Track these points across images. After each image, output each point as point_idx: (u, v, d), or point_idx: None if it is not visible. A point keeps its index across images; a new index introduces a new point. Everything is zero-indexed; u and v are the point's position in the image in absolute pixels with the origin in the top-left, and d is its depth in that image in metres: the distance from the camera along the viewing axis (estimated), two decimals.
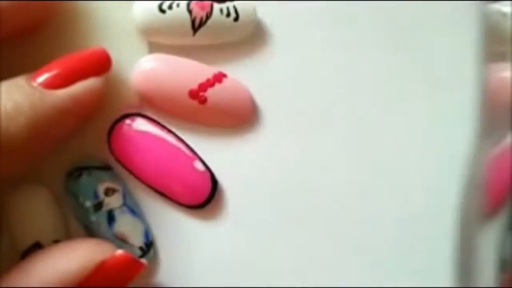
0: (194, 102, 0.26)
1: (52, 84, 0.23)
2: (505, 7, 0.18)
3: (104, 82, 0.24)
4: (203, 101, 0.26)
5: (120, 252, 0.23)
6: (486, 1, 0.18)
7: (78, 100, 0.23)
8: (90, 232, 0.25)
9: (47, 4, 0.25)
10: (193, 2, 0.26)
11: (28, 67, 0.24)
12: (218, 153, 0.26)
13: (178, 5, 0.26)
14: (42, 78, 0.23)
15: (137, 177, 0.26)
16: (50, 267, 0.22)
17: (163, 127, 0.26)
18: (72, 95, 0.23)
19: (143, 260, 0.24)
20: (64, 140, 0.25)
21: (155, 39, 0.26)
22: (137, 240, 0.25)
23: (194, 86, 0.26)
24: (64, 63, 0.24)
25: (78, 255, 0.22)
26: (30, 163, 0.24)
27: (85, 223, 0.25)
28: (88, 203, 0.25)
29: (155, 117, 0.26)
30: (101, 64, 0.24)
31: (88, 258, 0.22)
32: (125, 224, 0.25)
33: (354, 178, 0.27)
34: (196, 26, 0.26)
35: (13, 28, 0.24)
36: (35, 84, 0.23)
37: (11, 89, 0.22)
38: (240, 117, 0.27)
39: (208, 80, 0.26)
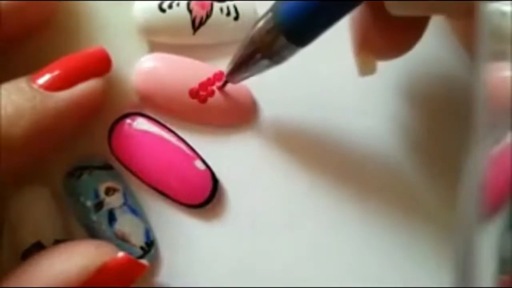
0: (195, 101, 0.26)
1: (53, 86, 0.23)
2: (505, 6, 0.18)
3: (105, 83, 0.24)
4: (204, 100, 0.26)
5: (121, 254, 0.23)
6: (486, 0, 0.18)
7: (79, 102, 0.23)
8: (91, 231, 0.25)
9: (47, 5, 0.25)
10: (193, 1, 0.26)
11: (29, 68, 0.24)
12: (218, 152, 0.26)
13: (178, 5, 0.26)
14: (43, 79, 0.23)
15: (138, 177, 0.26)
16: (51, 269, 0.22)
17: (163, 126, 0.26)
18: (73, 97, 0.23)
19: (145, 262, 0.24)
20: (66, 141, 0.25)
21: (155, 39, 0.26)
22: (138, 240, 0.25)
23: (195, 85, 0.26)
24: (64, 64, 0.24)
25: (78, 258, 0.22)
26: (31, 165, 0.24)
27: (86, 223, 0.25)
28: (89, 203, 0.25)
29: (155, 117, 0.26)
30: (101, 65, 0.24)
31: (89, 260, 0.22)
32: (125, 224, 0.25)
33: (354, 177, 0.27)
34: (196, 25, 0.26)
35: (14, 29, 0.24)
36: (36, 86, 0.23)
37: (12, 92, 0.22)
38: (241, 116, 0.27)
39: (208, 79, 0.26)
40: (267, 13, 0.22)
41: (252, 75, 0.24)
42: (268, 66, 0.23)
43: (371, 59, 0.24)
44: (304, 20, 0.22)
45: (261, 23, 0.23)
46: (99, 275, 0.22)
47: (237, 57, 0.24)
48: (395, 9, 0.21)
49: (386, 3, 0.21)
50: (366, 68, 0.24)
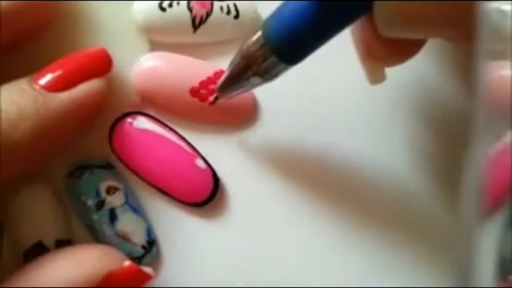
0: (195, 100, 0.26)
1: (54, 87, 0.23)
2: (505, 6, 0.18)
3: (106, 83, 0.24)
4: (204, 99, 0.26)
5: (128, 263, 0.23)
6: (486, 0, 0.18)
7: (81, 102, 0.23)
8: (92, 230, 0.25)
9: (47, 7, 0.24)
10: (194, 0, 0.26)
11: (29, 68, 0.24)
12: (219, 151, 0.26)
13: (178, 4, 0.26)
14: (45, 80, 0.23)
15: (139, 176, 0.26)
16: (56, 275, 0.22)
17: (164, 125, 0.26)
18: (75, 98, 0.23)
19: (150, 270, 0.24)
20: (68, 142, 0.25)
21: (156, 38, 0.26)
22: (139, 239, 0.25)
23: (195, 84, 0.26)
24: (65, 64, 0.24)
25: (85, 265, 0.22)
26: (34, 166, 0.24)
27: (87, 222, 0.25)
28: (90, 202, 0.25)
29: (156, 115, 0.26)
30: (102, 65, 0.24)
31: (96, 268, 0.22)
32: (127, 223, 0.25)
33: (354, 177, 0.27)
34: (197, 24, 0.26)
35: (14, 31, 0.23)
36: (37, 87, 0.23)
37: (14, 94, 0.22)
38: (241, 115, 0.27)
39: (209, 78, 0.26)
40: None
41: (244, 91, 0.24)
42: (259, 84, 0.23)
43: (378, 67, 0.23)
44: (294, 39, 0.21)
45: (251, 41, 0.22)
46: (105, 283, 0.22)
47: (227, 74, 0.23)
48: (387, 32, 0.21)
49: (379, 27, 0.21)
50: (375, 76, 0.24)
